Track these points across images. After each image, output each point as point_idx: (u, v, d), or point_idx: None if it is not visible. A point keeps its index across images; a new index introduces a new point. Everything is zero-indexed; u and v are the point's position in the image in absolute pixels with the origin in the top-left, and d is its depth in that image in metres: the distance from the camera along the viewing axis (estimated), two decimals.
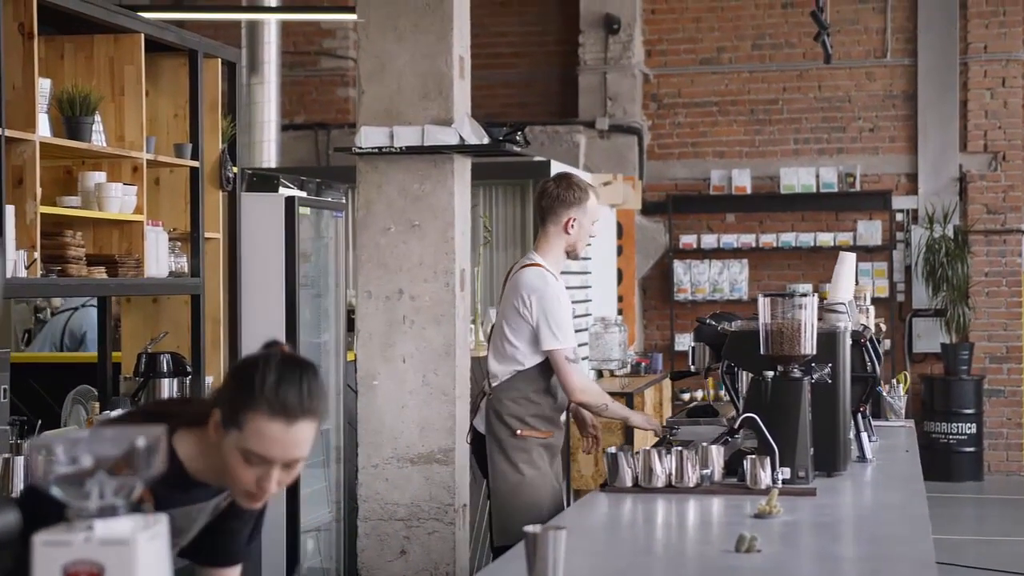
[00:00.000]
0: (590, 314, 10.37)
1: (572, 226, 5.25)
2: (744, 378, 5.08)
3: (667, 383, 11.09)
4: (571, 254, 5.34)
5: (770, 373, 4.63)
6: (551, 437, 5.29)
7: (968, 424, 12.56)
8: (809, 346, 4.63)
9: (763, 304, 4.67)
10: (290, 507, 6.41)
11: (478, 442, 5.34)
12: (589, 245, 5.47)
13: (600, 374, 10.43)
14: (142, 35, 5.32)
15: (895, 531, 3.95)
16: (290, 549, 6.40)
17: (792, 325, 4.61)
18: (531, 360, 5.19)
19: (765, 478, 4.40)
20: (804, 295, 4.67)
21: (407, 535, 5.76)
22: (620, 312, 12.24)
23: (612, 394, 9.01)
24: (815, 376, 4.71)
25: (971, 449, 12.59)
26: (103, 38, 5.32)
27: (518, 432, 5.19)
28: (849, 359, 4.96)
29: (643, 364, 11.04)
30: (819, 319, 5.30)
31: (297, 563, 6.44)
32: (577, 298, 8.97)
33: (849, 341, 4.98)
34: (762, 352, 4.65)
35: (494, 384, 5.23)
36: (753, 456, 4.45)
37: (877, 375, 5.35)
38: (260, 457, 2.62)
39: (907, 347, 13.02)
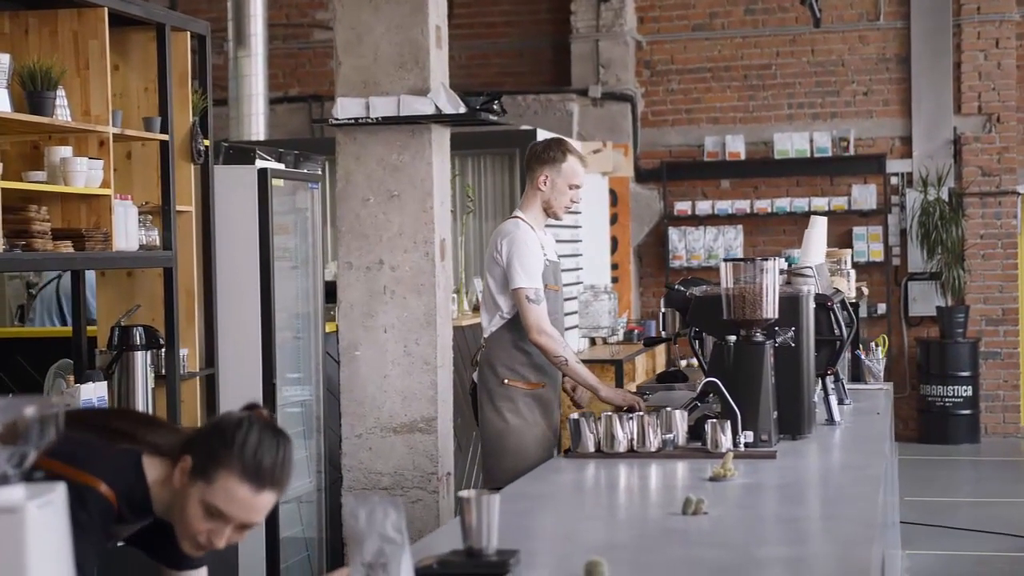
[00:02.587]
0: (581, 282, 10.37)
1: (545, 183, 5.38)
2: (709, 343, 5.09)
3: (661, 350, 11.08)
4: (549, 212, 5.42)
5: (732, 337, 4.64)
6: (541, 388, 5.35)
7: (964, 387, 12.56)
8: (771, 310, 4.64)
9: (725, 269, 4.68)
10: None
11: (475, 393, 5.45)
12: (570, 210, 5.52)
13: (593, 342, 10.44)
14: (105, 9, 5.31)
15: (846, 492, 3.97)
16: (270, 519, 6.43)
17: (754, 289, 4.62)
18: (508, 306, 5.29)
19: (726, 442, 4.42)
20: (765, 260, 4.67)
21: None
22: (616, 280, 12.24)
23: (603, 362, 9.12)
24: (778, 340, 4.72)
25: (968, 412, 12.60)
26: (67, 12, 5.30)
27: (504, 381, 5.29)
28: (813, 323, 4.96)
29: (636, 331, 11.03)
30: (787, 283, 5.31)
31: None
32: (567, 266, 8.98)
33: (813, 305, 4.97)
34: (724, 317, 4.67)
35: (485, 336, 5.38)
36: (714, 420, 4.46)
37: (844, 338, 5.35)
38: (221, 514, 2.69)
39: (903, 311, 13.01)
